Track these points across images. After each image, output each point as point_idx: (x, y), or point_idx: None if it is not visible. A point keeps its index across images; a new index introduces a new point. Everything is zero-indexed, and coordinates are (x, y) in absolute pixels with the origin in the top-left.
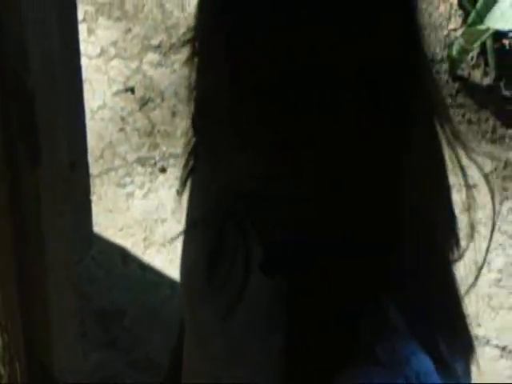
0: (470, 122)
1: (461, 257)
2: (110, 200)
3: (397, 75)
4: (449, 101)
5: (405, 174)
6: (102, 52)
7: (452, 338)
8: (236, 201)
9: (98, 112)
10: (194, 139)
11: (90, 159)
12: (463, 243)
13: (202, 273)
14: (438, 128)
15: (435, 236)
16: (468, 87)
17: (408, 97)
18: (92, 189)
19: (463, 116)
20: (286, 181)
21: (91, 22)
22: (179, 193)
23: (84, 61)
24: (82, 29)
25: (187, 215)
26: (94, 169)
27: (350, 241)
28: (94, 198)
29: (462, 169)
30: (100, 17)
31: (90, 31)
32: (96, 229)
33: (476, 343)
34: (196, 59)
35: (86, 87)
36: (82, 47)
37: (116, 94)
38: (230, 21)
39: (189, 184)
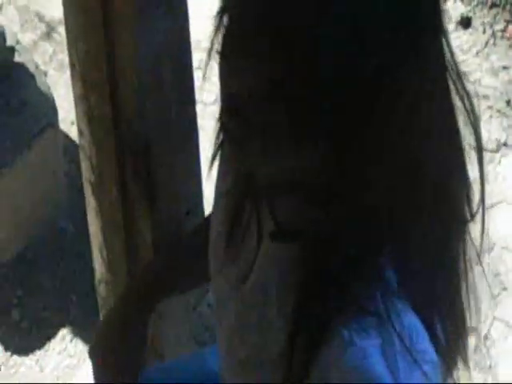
0: None
1: (473, 218)
2: None
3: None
4: None
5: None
6: (218, 99)
7: (447, 317)
8: (250, 183)
9: None
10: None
11: (206, 207)
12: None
13: (223, 240)
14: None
15: (451, 202)
16: None
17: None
18: None
19: None
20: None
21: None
22: (209, 167)
23: (199, 108)
24: (198, 76)
25: (216, 187)
26: None
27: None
28: None
29: (474, 128)
30: (215, 64)
31: (206, 78)
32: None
33: None
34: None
35: (202, 134)
36: (198, 94)
37: None
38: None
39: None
